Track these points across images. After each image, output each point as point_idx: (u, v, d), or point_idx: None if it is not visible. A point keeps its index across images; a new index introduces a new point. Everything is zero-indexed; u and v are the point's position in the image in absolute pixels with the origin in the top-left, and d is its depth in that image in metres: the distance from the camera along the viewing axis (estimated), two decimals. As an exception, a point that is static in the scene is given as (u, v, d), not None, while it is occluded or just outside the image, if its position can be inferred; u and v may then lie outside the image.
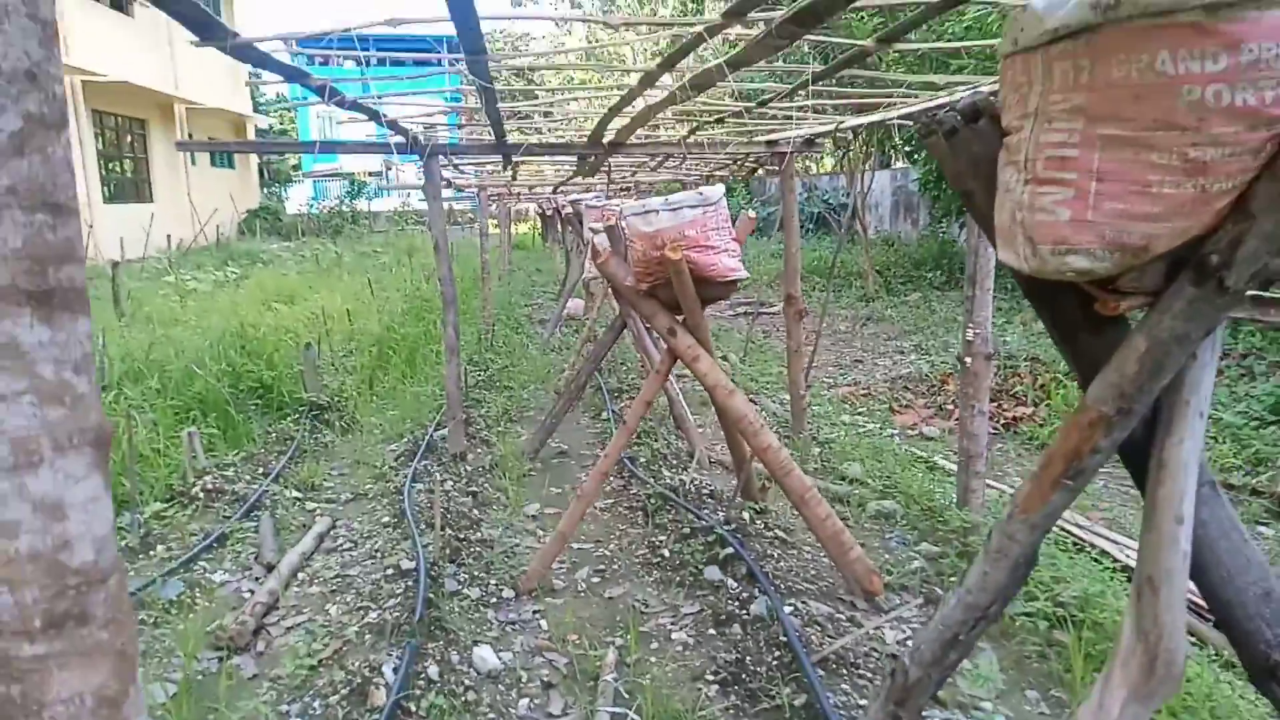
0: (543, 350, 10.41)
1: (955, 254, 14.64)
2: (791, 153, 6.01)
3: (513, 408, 7.60)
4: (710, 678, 3.33)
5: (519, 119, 6.71)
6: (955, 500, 4.44)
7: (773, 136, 5.87)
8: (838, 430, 6.58)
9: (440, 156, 5.87)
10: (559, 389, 8.37)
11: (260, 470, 5.83)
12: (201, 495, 5.17)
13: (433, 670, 3.23)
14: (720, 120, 5.54)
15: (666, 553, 4.38)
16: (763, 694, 3.13)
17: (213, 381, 6.53)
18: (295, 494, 5.51)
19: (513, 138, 6.31)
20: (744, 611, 3.69)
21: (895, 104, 4.65)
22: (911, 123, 4.64)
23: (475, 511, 5.05)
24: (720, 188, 3.89)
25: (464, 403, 7.32)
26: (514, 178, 10.20)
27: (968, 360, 4.09)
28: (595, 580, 4.27)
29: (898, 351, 9.95)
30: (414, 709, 2.99)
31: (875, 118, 4.71)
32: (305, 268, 18.01)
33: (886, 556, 4.34)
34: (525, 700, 3.24)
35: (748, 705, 3.12)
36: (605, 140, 5.73)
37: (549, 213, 19.83)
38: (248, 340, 7.80)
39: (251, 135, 32.86)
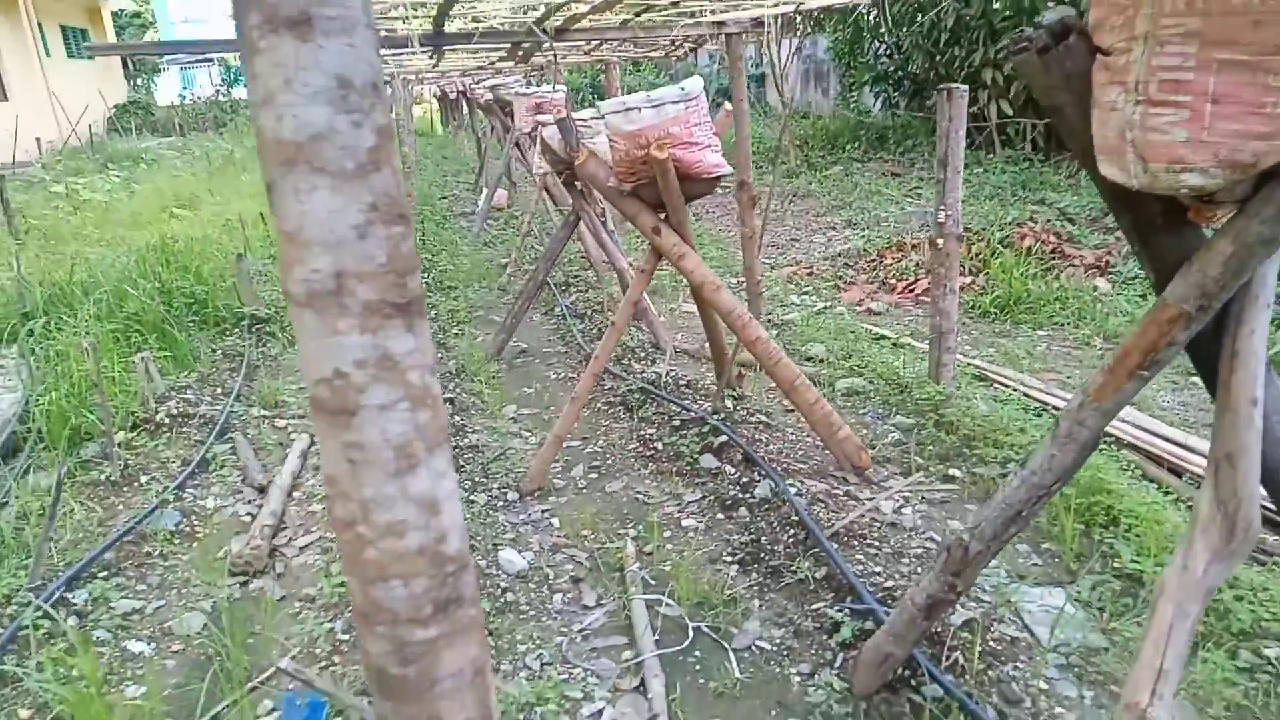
0: (474, 246, 10.22)
1: (871, 125, 14.81)
2: (740, 33, 5.92)
3: (461, 309, 7.51)
4: (728, 559, 3.53)
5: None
6: (927, 374, 4.68)
7: (721, 17, 5.76)
8: (791, 312, 6.77)
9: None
10: (503, 286, 8.33)
11: (218, 390, 5.68)
12: (167, 420, 5.02)
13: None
14: (674, 2, 5.41)
15: (660, 445, 4.52)
16: (784, 570, 3.34)
17: (147, 301, 6.23)
18: (260, 412, 5.42)
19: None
20: (748, 495, 3.89)
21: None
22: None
23: (457, 418, 5.07)
24: (699, 80, 3.84)
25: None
26: (436, 64, 9.73)
27: (939, 241, 4.25)
28: (593, 477, 4.39)
29: (829, 228, 10.15)
30: (461, 616, 3.09)
31: None
32: (196, 168, 16.97)
33: (864, 432, 4.58)
34: (558, 596, 3.39)
35: (770, 581, 3.33)
36: (552, 26, 5.53)
37: (453, 96, 19.05)
38: (170, 254, 7.43)
39: (108, 20, 30.19)
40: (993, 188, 10.62)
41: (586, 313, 7.14)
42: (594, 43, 6.88)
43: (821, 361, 5.69)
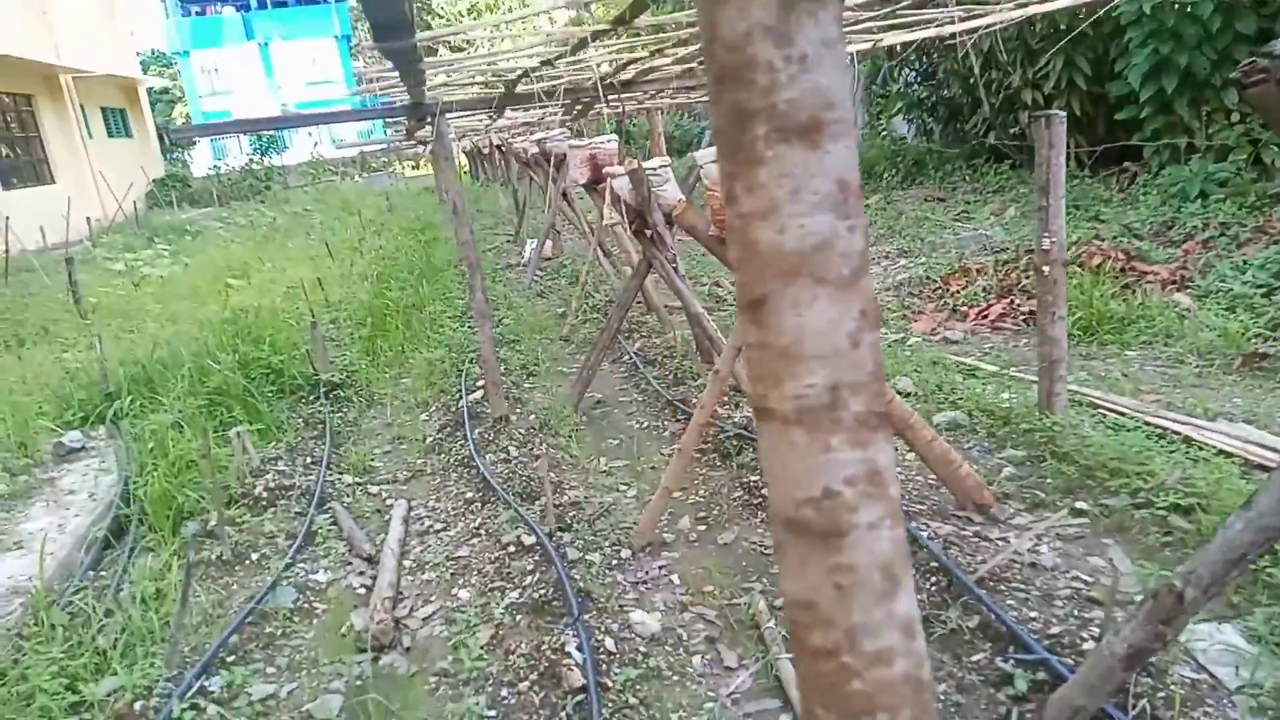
0: (527, 297, 10.24)
1: (906, 152, 14.78)
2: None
3: (529, 362, 7.49)
4: (866, 611, 3.42)
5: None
6: (1034, 403, 4.57)
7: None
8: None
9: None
10: (566, 336, 8.31)
11: (308, 459, 5.68)
12: (265, 494, 5.02)
13: (609, 643, 3.25)
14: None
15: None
16: (932, 620, 3.23)
17: (229, 374, 6.27)
18: (352, 479, 5.40)
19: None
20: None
21: (937, 18, 4.60)
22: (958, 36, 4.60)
23: (551, 474, 5.01)
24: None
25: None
26: (493, 122, 9.84)
27: (1045, 269, 4.17)
28: (701, 529, 4.31)
29: (883, 257, 10.08)
30: (609, 684, 3.01)
31: (922, 34, 4.65)
32: (240, 236, 17.29)
33: (974, 467, 4.47)
34: (696, 658, 3.30)
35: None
36: (618, 80, 5.56)
37: (486, 150, 19.28)
38: (243, 326, 7.50)
39: (144, 98, 31.02)
40: (1045, 207, 10.50)
41: (656, 359, 7.09)
42: (651, 92, 6.91)
43: (911, 395, 5.59)
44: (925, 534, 3.69)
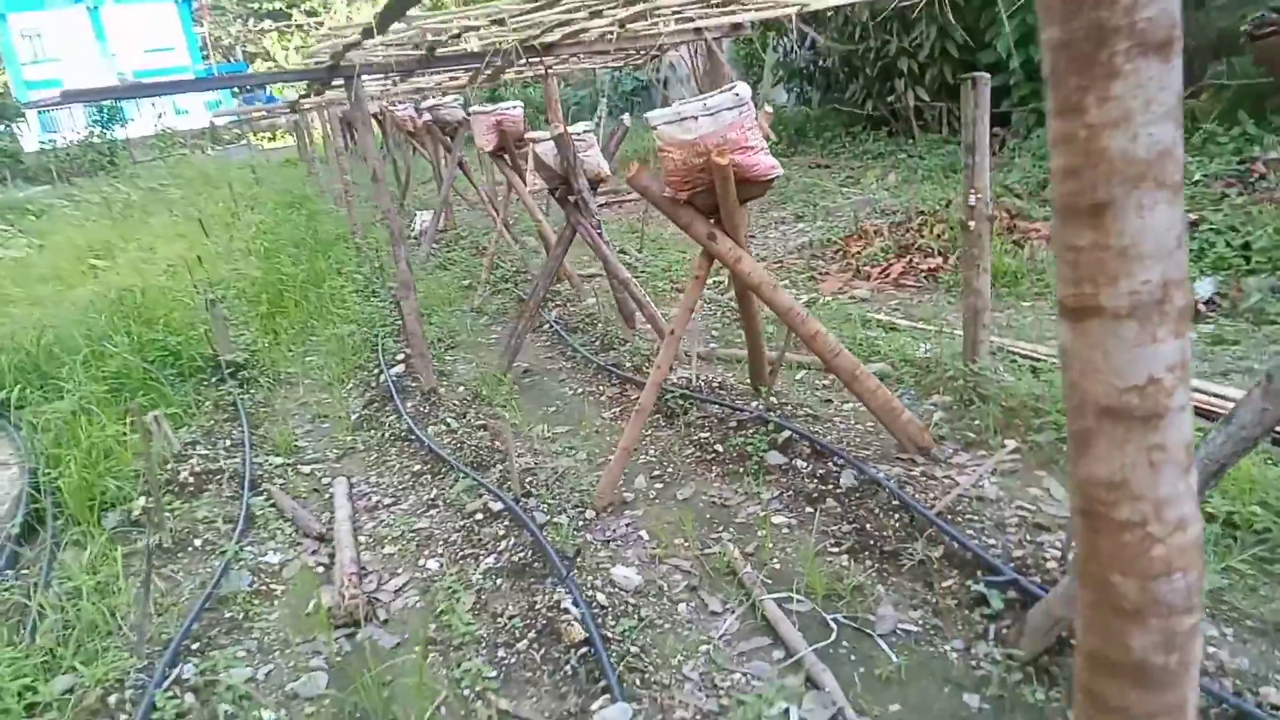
0: (427, 270, 10.00)
1: (786, 120, 15.17)
2: (719, 38, 6.02)
3: (445, 334, 7.36)
4: (835, 550, 3.59)
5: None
6: (961, 352, 4.84)
7: (703, 24, 5.84)
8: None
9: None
10: (477, 308, 8.21)
11: (227, 442, 5.43)
12: (191, 480, 4.78)
13: (600, 598, 3.29)
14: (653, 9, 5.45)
15: (719, 448, 4.55)
16: (900, 554, 3.43)
17: (129, 358, 5.90)
18: (280, 460, 5.21)
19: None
20: (831, 486, 3.96)
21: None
22: None
23: (496, 442, 4.98)
24: (746, 85, 3.90)
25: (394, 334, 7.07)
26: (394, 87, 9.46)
27: (971, 223, 4.42)
28: (659, 486, 4.39)
29: (779, 223, 10.37)
30: (610, 635, 3.07)
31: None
32: (93, 214, 16.10)
33: (907, 414, 4.72)
34: (681, 605, 3.38)
35: (889, 566, 3.42)
36: (542, 42, 5.51)
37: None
38: (128, 306, 7.05)
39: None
40: (925, 170, 11.05)
41: (578, 326, 7.10)
42: (564, 56, 6.86)
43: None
44: (880, 475, 3.88)
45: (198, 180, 20.25)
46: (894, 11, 12.15)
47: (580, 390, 5.87)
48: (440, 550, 3.95)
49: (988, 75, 4.29)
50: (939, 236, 7.87)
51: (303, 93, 11.02)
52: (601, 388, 5.82)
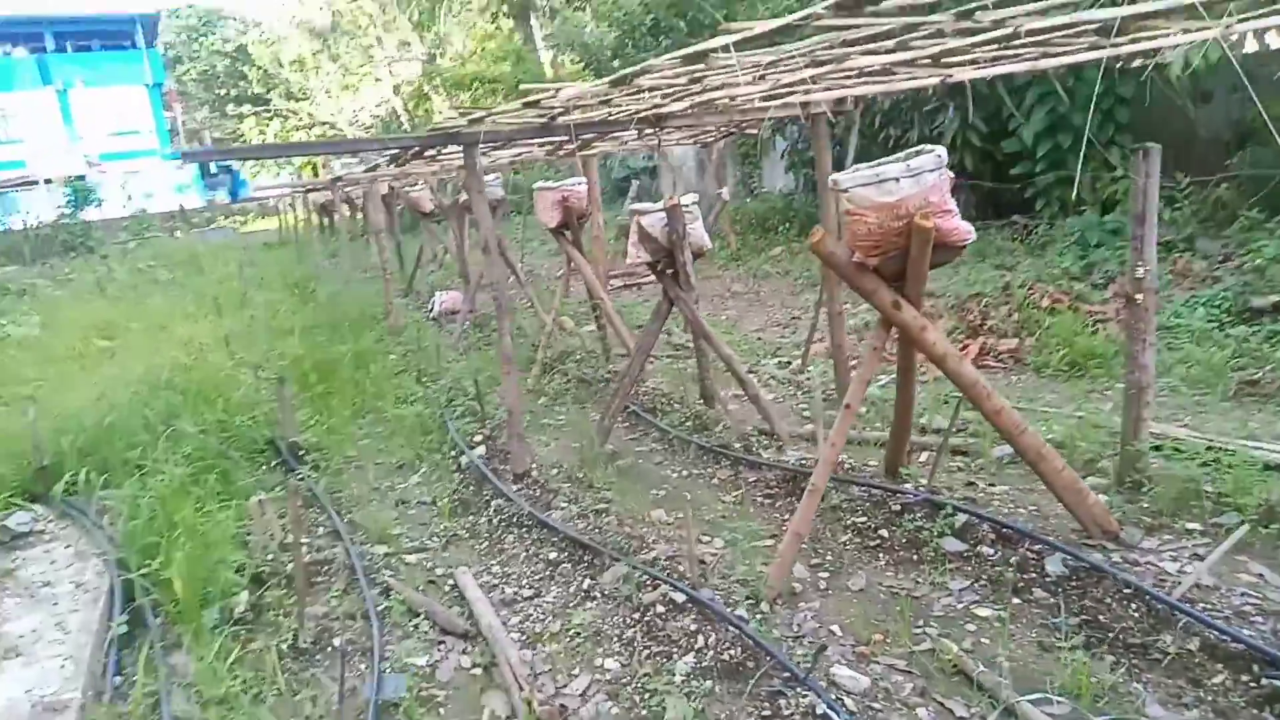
0: (460, 351, 9.67)
1: (800, 207, 15.31)
2: (822, 113, 5.98)
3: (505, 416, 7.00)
4: (1063, 645, 3.29)
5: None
6: (1121, 432, 4.65)
7: (809, 98, 5.77)
8: (870, 388, 6.71)
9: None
10: (533, 389, 7.89)
11: (320, 530, 5.01)
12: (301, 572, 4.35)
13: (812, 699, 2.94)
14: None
15: (884, 534, 4.27)
16: (1149, 647, 3.16)
17: (209, 440, 5.49)
18: (381, 549, 4.80)
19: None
20: (1033, 575, 3.69)
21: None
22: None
23: (624, 527, 4.64)
24: (942, 148, 3.76)
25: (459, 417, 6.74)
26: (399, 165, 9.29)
27: (1138, 296, 4.30)
28: (823, 576, 4.08)
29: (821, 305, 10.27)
30: (877, 748, 2.73)
31: (1012, 67, 4.72)
32: (79, 294, 15.58)
33: (1064, 497, 4.49)
34: (921, 711, 3.06)
35: (1139, 661, 3.14)
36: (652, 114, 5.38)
37: (359, 200, 18.33)
38: (183, 387, 6.62)
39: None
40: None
41: (654, 407, 6.81)
42: (646, 131, 6.75)
43: (941, 431, 5.61)
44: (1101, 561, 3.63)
45: (186, 262, 19.80)
46: (916, 100, 12.44)
47: (686, 473, 5.57)
48: (617, 648, 3.57)
49: (1158, 146, 4.23)
50: (1008, 317, 7.80)
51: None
52: (709, 470, 5.52)
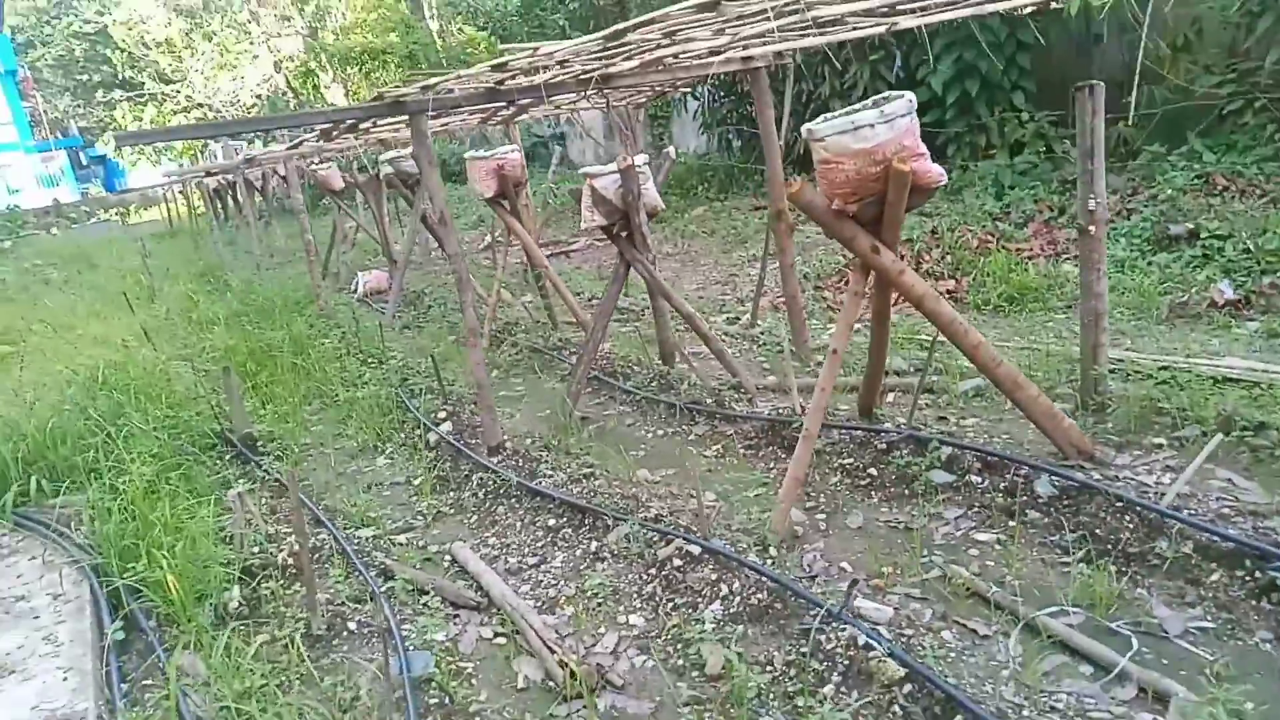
0: (394, 329, 9.45)
1: (715, 166, 15.41)
2: (765, 67, 6.02)
3: (464, 391, 6.90)
4: (1067, 560, 3.47)
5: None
6: (1079, 358, 4.87)
7: (751, 52, 5.80)
8: (821, 336, 6.87)
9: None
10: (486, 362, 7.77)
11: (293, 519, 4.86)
12: (290, 560, 4.22)
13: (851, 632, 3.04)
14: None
15: (873, 472, 4.40)
16: (1146, 555, 3.36)
17: (163, 436, 5.24)
18: (367, 532, 4.70)
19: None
20: (1022, 498, 3.86)
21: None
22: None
23: (615, 486, 4.66)
24: (910, 93, 3.84)
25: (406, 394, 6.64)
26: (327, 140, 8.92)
27: (1091, 228, 4.49)
28: (821, 516, 4.19)
29: (754, 259, 10.39)
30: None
31: (943, 14, 4.83)
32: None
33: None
34: (945, 633, 3.18)
35: (1140, 569, 3.33)
36: (607, 72, 5.32)
37: (257, 182, 17.59)
38: (122, 383, 6.28)
39: None
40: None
41: (614, 371, 6.80)
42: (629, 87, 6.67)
43: (902, 373, 5.80)
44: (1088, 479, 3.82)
45: (75, 258, 18.71)
46: (825, 55, 12.61)
47: (661, 432, 5.60)
48: (638, 604, 3.60)
49: (1102, 83, 4.41)
50: (941, 260, 8.07)
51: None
52: (684, 428, 5.57)
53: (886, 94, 3.88)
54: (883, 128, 3.68)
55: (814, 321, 7.47)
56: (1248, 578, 3.12)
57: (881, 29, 5.12)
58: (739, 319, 7.86)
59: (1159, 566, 3.32)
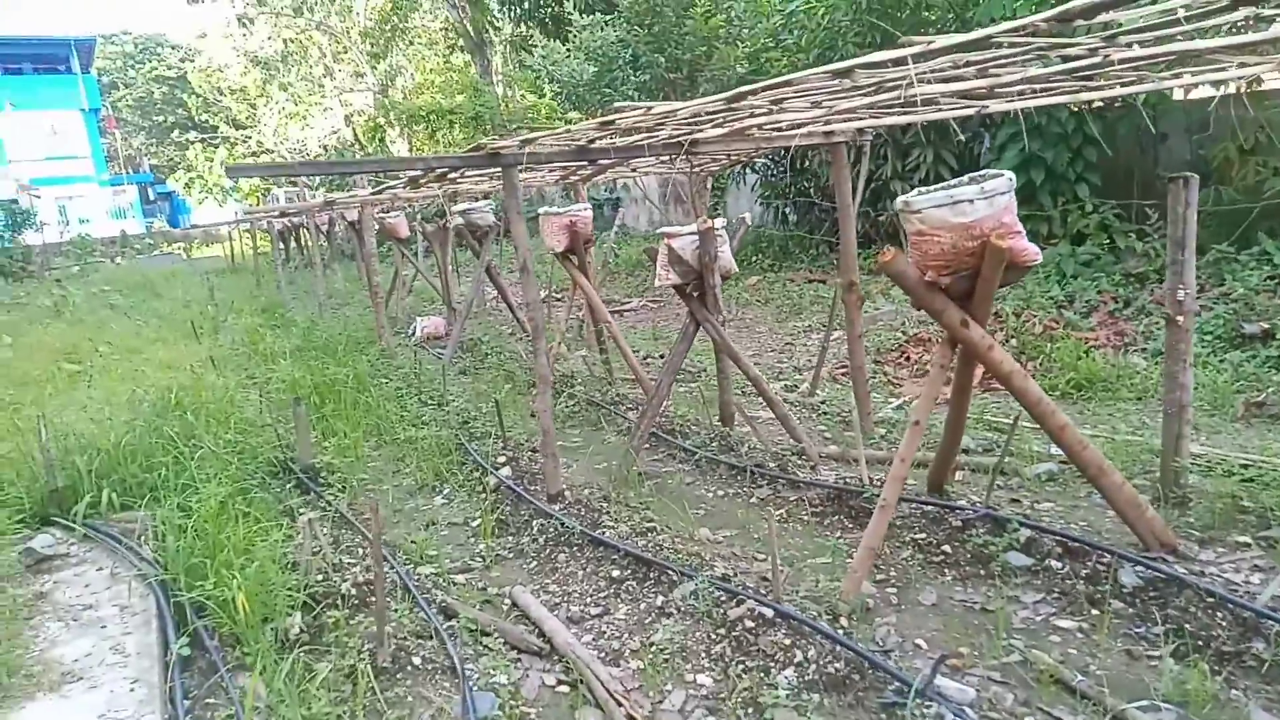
0: (452, 375, 9.54)
1: (771, 237, 15.55)
2: (844, 142, 6.11)
3: (522, 438, 6.93)
4: (1153, 654, 3.36)
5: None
6: (1160, 450, 4.78)
7: (832, 127, 5.88)
8: (882, 410, 6.81)
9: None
10: (534, 410, 7.79)
11: (360, 552, 4.87)
12: (354, 591, 4.22)
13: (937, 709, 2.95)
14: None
15: (947, 550, 4.31)
16: (1242, 655, 3.24)
17: (242, 462, 5.31)
18: (427, 569, 4.68)
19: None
20: (1106, 586, 3.76)
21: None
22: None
23: (679, 543, 4.61)
24: (1009, 171, 3.87)
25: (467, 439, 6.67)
26: (414, 188, 9.19)
27: (1179, 318, 4.46)
28: (891, 591, 4.10)
29: (809, 330, 10.42)
30: None
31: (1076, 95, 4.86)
32: (33, 317, 15.03)
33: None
34: (1029, 718, 3.08)
35: (1234, 669, 3.21)
36: (696, 138, 5.43)
37: (324, 227, 18.06)
38: (193, 406, 6.40)
39: None
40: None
41: (672, 429, 6.78)
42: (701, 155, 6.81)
43: (971, 452, 5.72)
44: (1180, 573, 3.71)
45: (140, 286, 19.26)
46: (887, 135, 12.78)
47: (722, 493, 5.55)
48: (706, 663, 3.53)
49: (1196, 176, 4.41)
50: (1006, 343, 8.00)
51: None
52: (745, 490, 5.52)
53: (983, 171, 3.91)
54: (982, 204, 3.71)
55: (874, 395, 7.42)
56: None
57: (972, 111, 5.18)
58: (796, 387, 7.84)
59: (1256, 669, 3.19)
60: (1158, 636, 3.43)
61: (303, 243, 26.98)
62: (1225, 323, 7.35)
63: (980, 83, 4.23)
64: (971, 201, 3.71)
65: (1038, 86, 4.54)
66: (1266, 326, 7.05)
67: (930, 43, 3.27)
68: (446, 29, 35.78)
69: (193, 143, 40.55)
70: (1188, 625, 3.43)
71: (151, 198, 61.80)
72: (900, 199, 3.94)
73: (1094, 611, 3.68)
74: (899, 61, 3.26)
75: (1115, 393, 6.79)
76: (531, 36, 25.95)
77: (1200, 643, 3.34)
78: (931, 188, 3.91)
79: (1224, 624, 3.38)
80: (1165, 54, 3.49)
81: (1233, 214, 9.32)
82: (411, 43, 35.78)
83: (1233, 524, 4.31)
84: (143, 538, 4.60)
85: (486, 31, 31.89)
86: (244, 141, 37.69)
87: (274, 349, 9.53)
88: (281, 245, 24.61)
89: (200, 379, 7.51)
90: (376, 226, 14.69)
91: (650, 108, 4.33)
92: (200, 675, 3.61)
